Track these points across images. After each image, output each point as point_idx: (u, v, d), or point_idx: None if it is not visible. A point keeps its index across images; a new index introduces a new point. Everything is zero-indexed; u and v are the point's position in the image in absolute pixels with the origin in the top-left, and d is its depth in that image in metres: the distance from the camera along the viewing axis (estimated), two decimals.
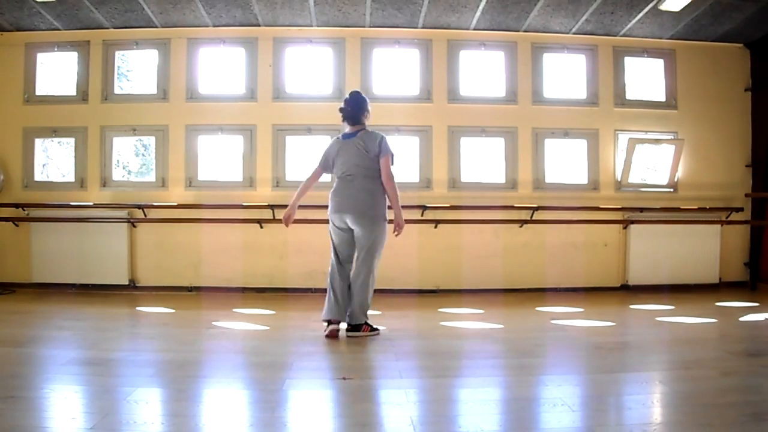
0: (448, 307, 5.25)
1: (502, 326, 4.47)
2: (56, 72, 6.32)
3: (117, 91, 6.26)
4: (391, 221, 4.00)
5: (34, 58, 6.14)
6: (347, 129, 4.08)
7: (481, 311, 5.11)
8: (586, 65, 6.37)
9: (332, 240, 4.10)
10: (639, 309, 5.23)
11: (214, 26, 6.08)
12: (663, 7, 5.53)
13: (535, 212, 6.07)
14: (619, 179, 6.29)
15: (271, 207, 5.92)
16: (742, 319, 4.71)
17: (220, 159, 6.29)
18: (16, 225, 5.98)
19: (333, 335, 3.90)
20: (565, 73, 6.43)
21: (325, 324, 3.95)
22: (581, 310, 5.12)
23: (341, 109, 4.07)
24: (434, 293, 6.02)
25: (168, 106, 6.12)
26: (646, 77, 6.52)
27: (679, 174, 6.37)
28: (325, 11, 5.80)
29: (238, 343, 3.95)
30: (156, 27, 6.04)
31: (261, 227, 5.99)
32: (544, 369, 3.34)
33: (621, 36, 6.26)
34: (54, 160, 6.56)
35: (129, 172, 6.74)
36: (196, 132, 6.15)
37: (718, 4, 5.51)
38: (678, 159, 6.27)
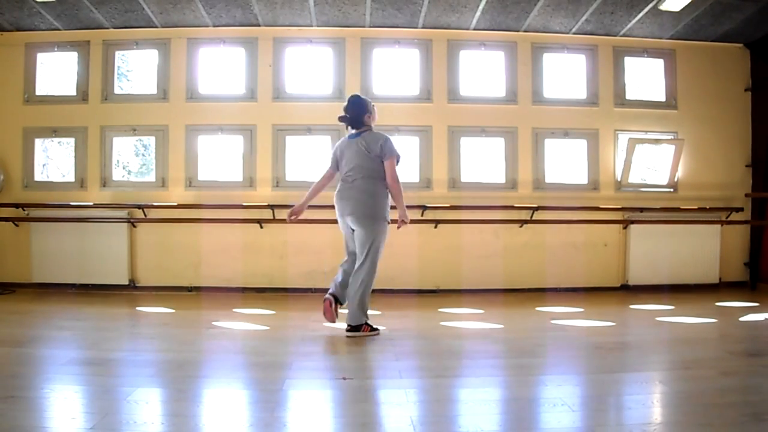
0: (448, 307, 5.25)
1: (502, 326, 4.47)
2: (56, 72, 6.32)
3: (117, 91, 6.26)
4: (394, 221, 4.05)
5: (34, 58, 6.14)
6: (353, 131, 4.10)
7: (481, 311, 5.11)
8: (586, 65, 6.36)
9: (343, 234, 4.19)
10: (639, 309, 5.23)
11: (214, 26, 6.08)
12: (663, 7, 5.53)
13: (535, 212, 6.07)
14: (619, 179, 6.29)
15: (271, 207, 5.92)
16: (742, 319, 4.71)
17: (220, 159, 6.29)
18: (16, 225, 5.98)
19: (327, 306, 3.97)
20: (565, 73, 6.42)
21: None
22: (581, 310, 5.12)
23: (341, 118, 4.10)
24: (434, 293, 6.02)
25: (168, 106, 6.12)
26: (646, 77, 6.52)
27: (679, 174, 6.37)
28: (325, 11, 5.80)
29: (238, 343, 3.95)
30: (156, 27, 6.04)
31: (261, 227, 5.99)
32: (544, 369, 3.34)
33: (621, 36, 6.26)
34: (54, 160, 6.56)
35: (129, 172, 6.74)
36: (196, 132, 6.15)
37: (718, 4, 5.51)
38: (678, 159, 6.27)
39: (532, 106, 6.28)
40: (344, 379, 2.99)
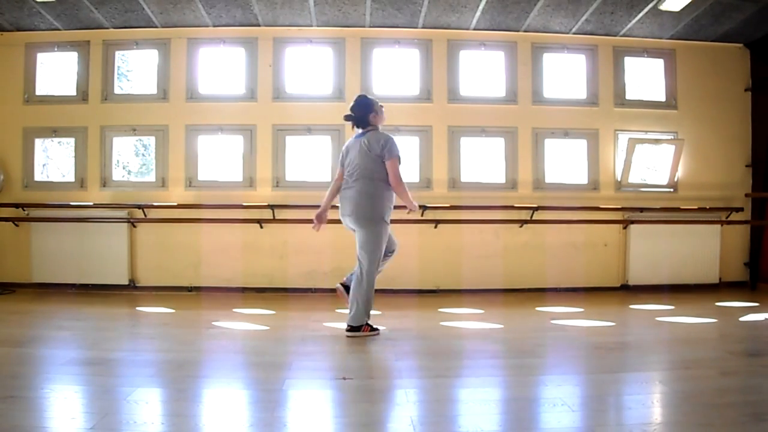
0: (448, 307, 5.25)
1: (502, 326, 4.47)
2: (56, 72, 6.32)
3: (117, 91, 6.26)
4: (395, 221, 4.09)
5: (34, 58, 6.14)
6: (359, 130, 4.12)
7: (481, 311, 5.11)
8: (586, 65, 6.36)
9: None
10: (639, 309, 5.23)
11: (214, 26, 6.08)
12: (663, 7, 5.53)
13: (535, 212, 6.07)
14: (619, 179, 6.29)
15: (271, 207, 5.92)
16: (742, 319, 4.71)
17: (220, 159, 6.29)
18: (16, 225, 5.98)
19: (339, 294, 4.11)
20: (565, 73, 6.42)
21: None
22: (581, 310, 5.12)
23: (347, 116, 4.11)
24: (434, 293, 6.02)
25: (168, 106, 6.12)
26: (646, 77, 6.52)
27: (679, 174, 6.37)
28: (325, 11, 5.80)
29: (238, 343, 3.95)
30: (156, 27, 6.04)
31: (261, 227, 5.99)
32: (544, 369, 3.34)
33: (621, 36, 6.26)
34: (54, 160, 6.56)
35: (129, 172, 6.74)
36: (196, 132, 6.15)
37: (718, 4, 5.51)
38: (678, 159, 6.27)
39: (532, 106, 6.27)
40: (344, 379, 2.99)
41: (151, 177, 6.24)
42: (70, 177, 6.20)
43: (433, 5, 5.65)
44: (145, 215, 6.00)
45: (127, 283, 5.98)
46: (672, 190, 6.39)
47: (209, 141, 6.23)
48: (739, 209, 6.33)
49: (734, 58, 6.43)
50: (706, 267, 6.23)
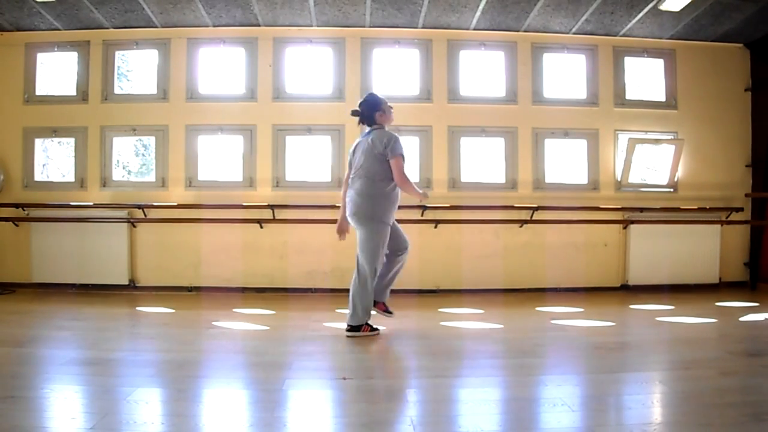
0: (448, 307, 5.25)
1: (502, 326, 4.47)
2: (56, 72, 6.31)
3: (117, 91, 6.26)
4: (399, 220, 4.11)
5: (34, 58, 6.14)
6: (366, 129, 4.12)
7: (481, 311, 5.12)
8: (586, 65, 6.36)
9: None
10: (639, 309, 5.23)
11: (214, 26, 6.08)
12: (663, 7, 5.53)
13: (535, 212, 6.07)
14: (619, 179, 6.29)
15: (271, 207, 5.92)
16: (742, 319, 4.71)
17: (220, 159, 6.29)
18: (16, 225, 5.98)
19: (381, 309, 4.14)
20: (565, 73, 6.42)
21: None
22: (581, 310, 5.12)
23: (354, 112, 4.11)
24: (434, 293, 6.02)
25: (168, 106, 6.12)
26: (646, 77, 6.52)
27: (679, 174, 6.37)
28: (325, 11, 5.80)
29: (238, 343, 3.96)
30: (156, 27, 6.04)
31: (261, 227, 5.99)
32: (544, 369, 3.34)
33: (621, 36, 6.26)
34: (54, 160, 6.56)
35: (129, 172, 6.74)
36: (196, 132, 6.15)
37: (718, 4, 5.51)
38: (678, 159, 6.27)
39: (532, 106, 6.27)
40: (344, 379, 2.99)
41: (151, 177, 6.24)
42: (70, 177, 6.20)
43: (433, 5, 5.65)
44: (145, 215, 6.00)
45: (127, 283, 5.98)
46: (672, 190, 6.39)
47: (209, 141, 6.22)
48: (739, 209, 6.33)
49: (734, 58, 6.43)
50: (706, 267, 6.23)
